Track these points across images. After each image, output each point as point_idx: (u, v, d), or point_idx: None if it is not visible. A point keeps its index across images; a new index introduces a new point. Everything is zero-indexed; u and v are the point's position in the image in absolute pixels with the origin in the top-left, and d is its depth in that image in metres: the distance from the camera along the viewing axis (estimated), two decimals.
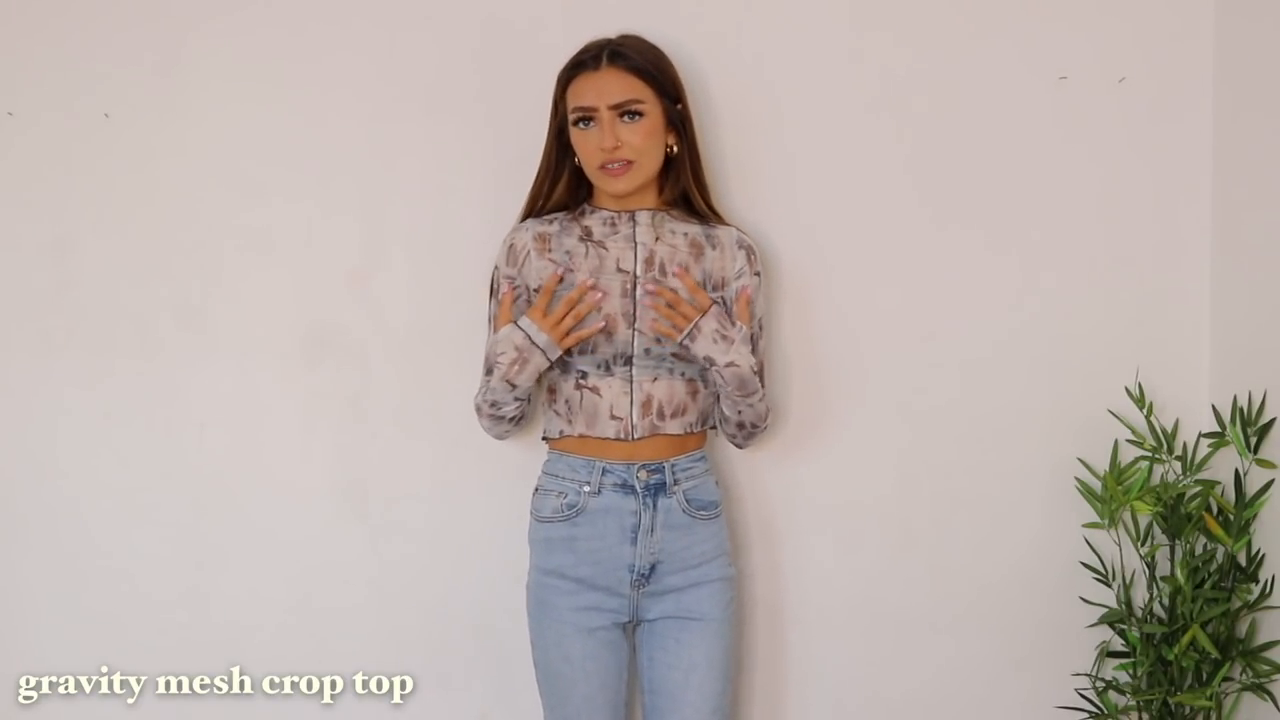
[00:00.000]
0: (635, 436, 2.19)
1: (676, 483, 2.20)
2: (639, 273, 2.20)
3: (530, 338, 2.17)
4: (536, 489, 2.26)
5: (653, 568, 2.19)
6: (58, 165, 2.46)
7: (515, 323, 2.19)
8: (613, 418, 2.19)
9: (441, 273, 2.41)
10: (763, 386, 2.25)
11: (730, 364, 2.17)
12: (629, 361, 2.19)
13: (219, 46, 2.44)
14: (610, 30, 2.23)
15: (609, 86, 2.15)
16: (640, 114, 2.16)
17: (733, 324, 2.20)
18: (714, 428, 2.29)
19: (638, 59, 2.17)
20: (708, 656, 2.19)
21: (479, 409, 2.25)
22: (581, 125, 2.17)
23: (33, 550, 2.51)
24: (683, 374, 2.21)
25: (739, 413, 2.23)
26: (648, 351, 2.19)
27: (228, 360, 2.47)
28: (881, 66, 2.38)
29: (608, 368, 2.19)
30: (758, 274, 2.26)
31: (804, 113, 2.39)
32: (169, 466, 2.48)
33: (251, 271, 2.46)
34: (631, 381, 2.19)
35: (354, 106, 2.43)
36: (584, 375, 2.20)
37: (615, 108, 2.14)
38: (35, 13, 2.45)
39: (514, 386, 2.19)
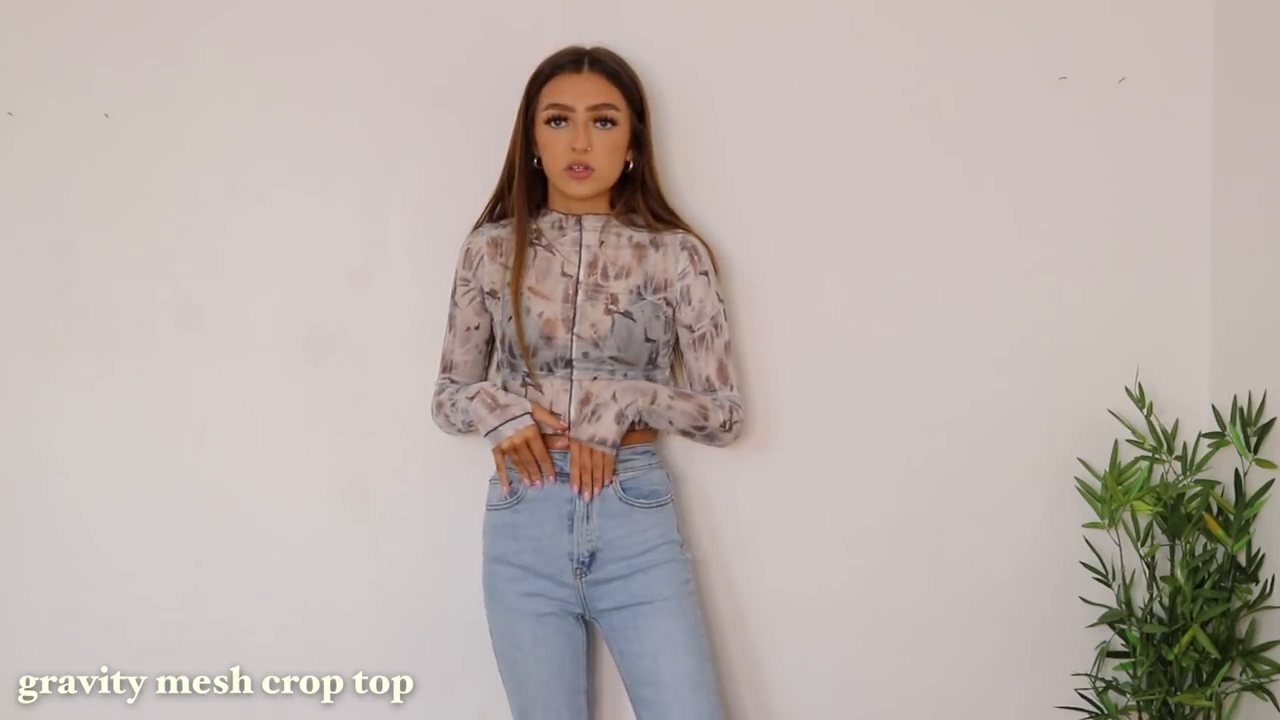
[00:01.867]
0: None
1: (614, 473, 2.22)
2: (582, 277, 2.24)
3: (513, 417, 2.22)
4: (490, 480, 2.30)
5: (593, 555, 2.22)
6: (58, 165, 2.46)
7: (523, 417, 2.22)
8: (551, 413, 2.23)
9: (442, 273, 2.40)
10: (728, 386, 2.28)
11: (624, 410, 2.20)
12: (569, 364, 2.23)
13: (219, 47, 2.44)
14: (601, 38, 2.26)
15: (589, 88, 2.21)
16: (614, 122, 2.21)
17: (594, 402, 2.21)
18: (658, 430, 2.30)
19: (617, 68, 2.24)
20: (668, 636, 2.20)
21: (440, 407, 2.33)
22: (553, 125, 2.21)
23: (33, 550, 2.51)
24: (625, 375, 2.24)
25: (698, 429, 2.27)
26: (586, 355, 2.22)
27: (228, 360, 2.47)
28: (881, 67, 2.39)
29: (550, 369, 2.24)
30: (704, 273, 2.28)
31: (803, 114, 2.39)
32: (169, 466, 2.48)
33: (251, 271, 2.46)
34: (571, 380, 2.23)
35: (354, 106, 2.43)
36: (529, 374, 2.23)
37: (592, 109, 2.20)
38: (35, 13, 2.45)
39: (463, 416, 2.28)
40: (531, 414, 2.22)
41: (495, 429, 2.22)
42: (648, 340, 2.25)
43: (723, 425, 2.26)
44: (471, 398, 2.26)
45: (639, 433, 2.26)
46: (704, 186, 2.39)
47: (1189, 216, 2.37)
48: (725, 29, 2.39)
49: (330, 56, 2.43)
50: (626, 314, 2.24)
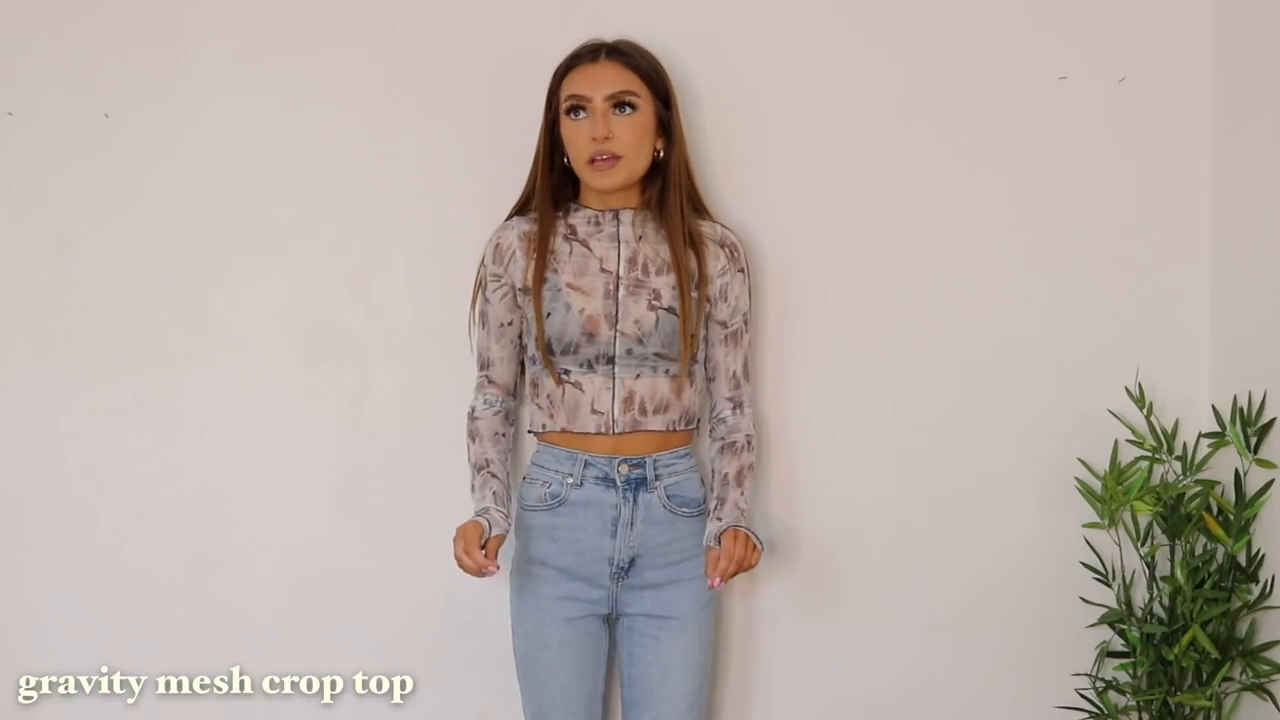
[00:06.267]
0: (616, 431, 2.21)
1: (658, 478, 2.22)
2: (622, 273, 2.22)
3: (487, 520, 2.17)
4: (524, 478, 2.28)
5: (632, 561, 2.21)
6: (58, 165, 2.46)
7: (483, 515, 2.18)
8: (594, 412, 2.21)
9: (441, 273, 2.41)
10: (749, 382, 2.30)
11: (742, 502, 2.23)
12: (611, 360, 2.21)
13: (219, 47, 2.44)
14: (607, 32, 2.25)
15: (605, 77, 2.18)
16: (634, 106, 2.18)
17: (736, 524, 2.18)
18: (695, 428, 2.30)
19: (635, 56, 2.21)
20: (685, 655, 2.22)
21: (473, 434, 2.29)
22: (574, 115, 2.19)
23: (33, 550, 2.51)
24: (666, 371, 2.22)
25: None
26: (629, 351, 2.20)
27: (228, 361, 2.47)
28: (881, 67, 2.39)
29: (590, 366, 2.21)
30: (741, 270, 2.28)
31: (804, 114, 2.39)
32: (169, 467, 2.48)
33: (252, 272, 2.46)
34: (614, 378, 2.21)
35: (354, 106, 2.43)
36: (567, 372, 2.21)
37: (610, 98, 2.17)
38: (35, 13, 2.45)
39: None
40: (487, 527, 2.14)
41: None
42: (690, 336, 2.24)
43: (753, 449, 2.28)
44: (480, 485, 2.22)
45: (678, 434, 2.25)
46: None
47: (1189, 216, 2.37)
48: (726, 26, 2.39)
49: (330, 57, 2.43)
50: (670, 310, 2.21)
